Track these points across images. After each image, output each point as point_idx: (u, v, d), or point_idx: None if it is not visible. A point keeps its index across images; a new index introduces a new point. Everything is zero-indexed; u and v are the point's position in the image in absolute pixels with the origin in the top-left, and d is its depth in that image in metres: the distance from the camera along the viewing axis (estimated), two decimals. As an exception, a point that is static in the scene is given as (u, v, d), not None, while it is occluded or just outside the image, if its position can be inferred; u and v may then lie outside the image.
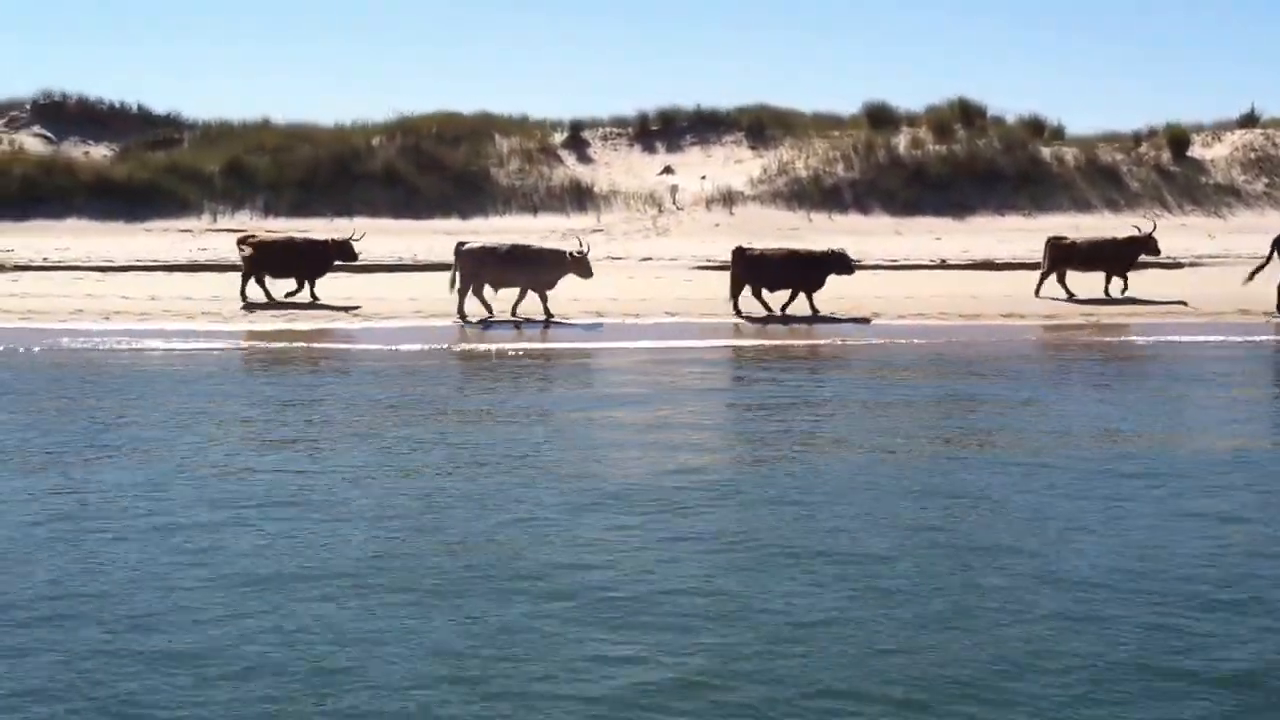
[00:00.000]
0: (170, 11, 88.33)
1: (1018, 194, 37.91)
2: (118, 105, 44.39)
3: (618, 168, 40.12)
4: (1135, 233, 28.02)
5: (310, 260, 26.19)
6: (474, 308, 24.30)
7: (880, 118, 41.39)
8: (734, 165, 39.82)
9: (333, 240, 26.56)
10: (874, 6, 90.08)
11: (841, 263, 25.58)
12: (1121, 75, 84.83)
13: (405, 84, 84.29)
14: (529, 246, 25.79)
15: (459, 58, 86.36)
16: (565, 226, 34.80)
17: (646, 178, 39.29)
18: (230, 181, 37.97)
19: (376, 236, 32.40)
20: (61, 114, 43.32)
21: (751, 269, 25.29)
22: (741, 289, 25.21)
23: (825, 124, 41.75)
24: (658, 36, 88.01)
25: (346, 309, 25.15)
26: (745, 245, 25.97)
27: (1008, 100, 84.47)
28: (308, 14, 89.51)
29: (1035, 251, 31.40)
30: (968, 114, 41.26)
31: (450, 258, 24.86)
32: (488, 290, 24.43)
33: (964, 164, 38.70)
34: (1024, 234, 34.07)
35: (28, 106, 43.55)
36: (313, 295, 25.90)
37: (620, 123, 42.64)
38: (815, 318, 24.82)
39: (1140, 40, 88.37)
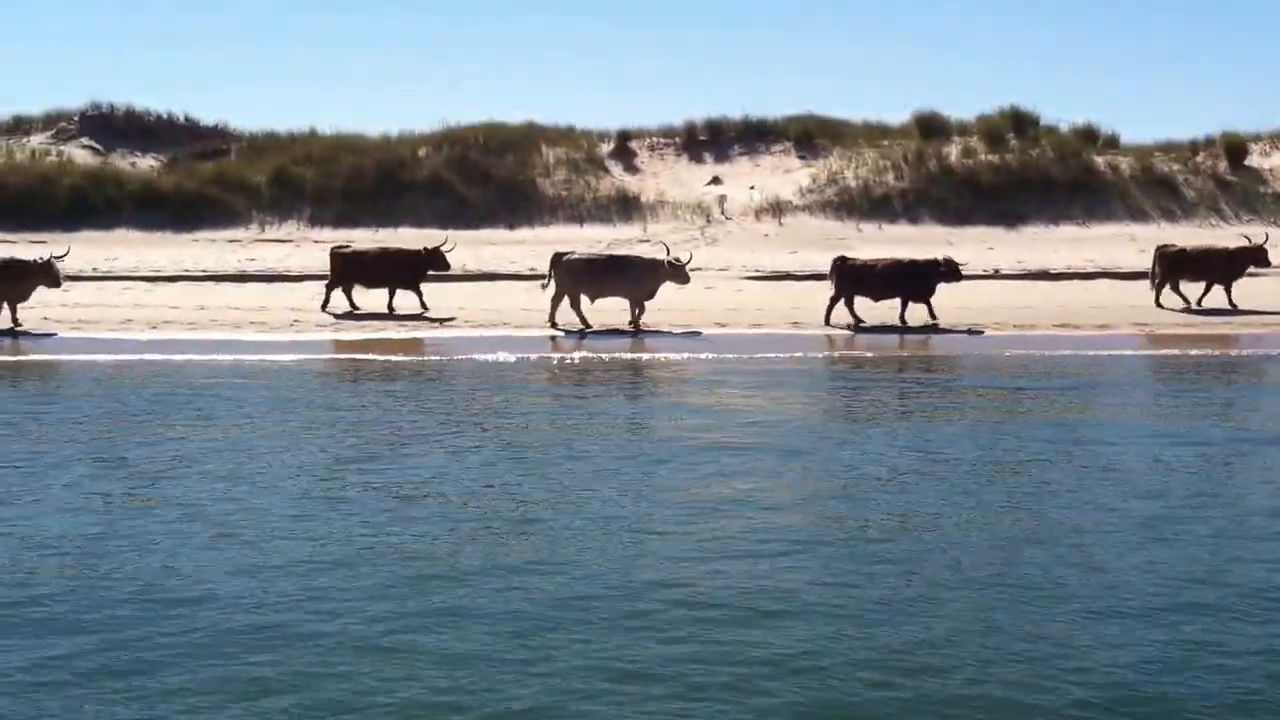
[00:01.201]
0: (217, 23, 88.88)
1: (1071, 204, 37.35)
2: (165, 116, 44.57)
3: (665, 178, 39.82)
4: (1245, 243, 27.58)
5: (404, 270, 26.06)
6: (569, 317, 24.29)
7: (931, 127, 40.92)
8: (783, 175, 39.46)
9: (427, 249, 26.41)
10: (925, 15, 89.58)
11: (951, 271, 25.18)
12: (1177, 83, 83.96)
13: (452, 94, 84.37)
14: (627, 256, 25.82)
15: (505, 68, 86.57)
16: (611, 237, 34.53)
17: (694, 188, 38.98)
18: (277, 192, 37.93)
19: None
20: (110, 125, 43.47)
21: (855, 279, 24.97)
22: (840, 299, 25.00)
23: (875, 133, 41.31)
24: (706, 46, 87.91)
25: (440, 320, 25.11)
26: (847, 255, 25.84)
27: (1061, 109, 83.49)
28: (354, 25, 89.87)
29: (1090, 261, 31.10)
30: (1020, 123, 40.74)
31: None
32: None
33: (1016, 173, 38.18)
34: (1078, 244, 33.65)
35: (76, 118, 43.71)
36: (422, 304, 25.89)
37: (668, 132, 42.35)
38: (932, 328, 24.56)
39: (1196, 48, 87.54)
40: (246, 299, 27.06)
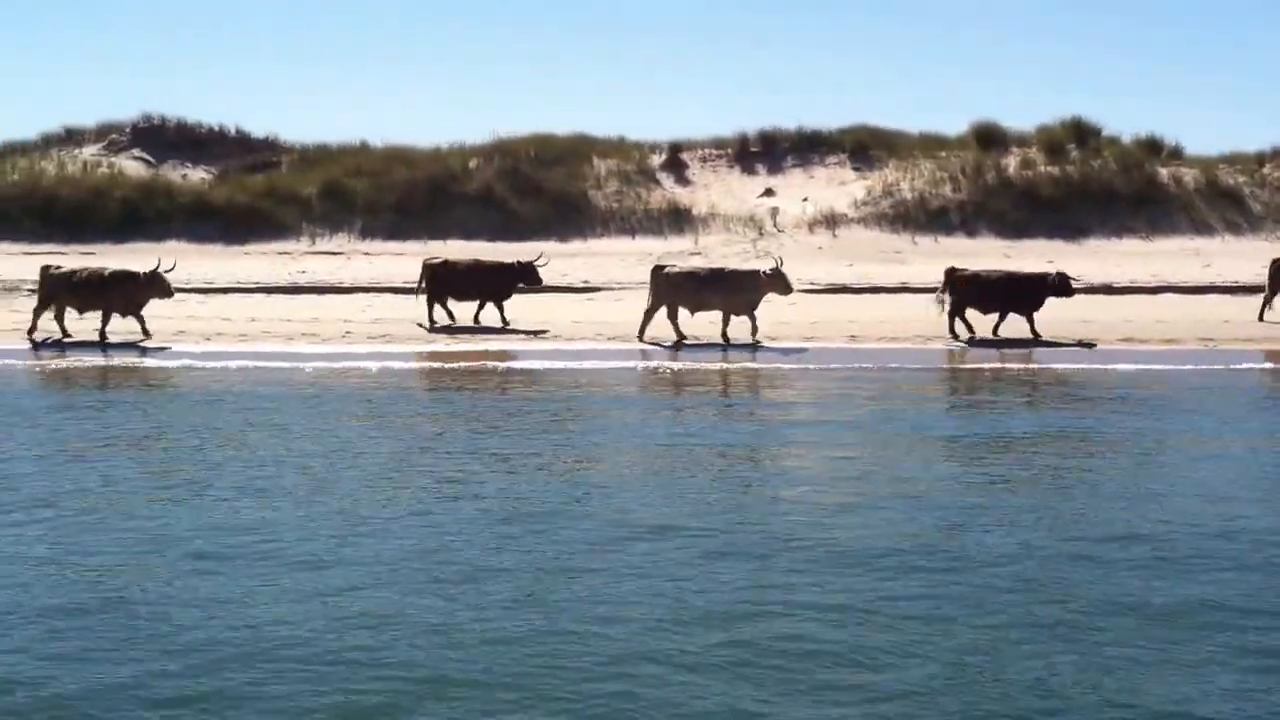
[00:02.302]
0: (269, 36, 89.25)
1: (1134, 216, 36.61)
2: (216, 129, 44.58)
3: (717, 190, 39.41)
4: None
5: (495, 283, 25.82)
6: (660, 330, 24.08)
7: (989, 138, 40.26)
8: (837, 187, 38.95)
9: (518, 263, 26.12)
10: (982, 24, 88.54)
11: (1061, 284, 24.62)
12: (1243, 94, 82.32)
13: (503, 106, 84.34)
14: (726, 269, 25.51)
15: (556, 79, 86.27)
16: (663, 249, 34.18)
17: (747, 200, 38.55)
18: (328, 204, 37.82)
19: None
20: (161, 137, 43.54)
21: (964, 289, 24.56)
22: (958, 310, 24.57)
23: (931, 144, 40.70)
24: (759, 57, 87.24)
25: (534, 332, 24.91)
26: (957, 265, 25.41)
27: (1123, 120, 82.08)
28: (405, 37, 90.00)
29: (1155, 276, 30.40)
30: (1081, 134, 40.02)
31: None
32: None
33: (1077, 185, 37.48)
34: (1141, 258, 32.96)
35: (128, 130, 43.82)
36: (503, 319, 25.67)
37: (720, 144, 41.95)
38: (1035, 341, 24.05)
39: (1262, 57, 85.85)
40: (298, 311, 26.86)
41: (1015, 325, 24.57)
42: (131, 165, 41.61)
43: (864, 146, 40.97)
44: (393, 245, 35.46)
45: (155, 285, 24.09)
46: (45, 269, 24.93)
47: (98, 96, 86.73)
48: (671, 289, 24.14)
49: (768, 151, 41.53)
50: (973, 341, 24.25)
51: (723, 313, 24.12)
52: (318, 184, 38.49)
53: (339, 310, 27.08)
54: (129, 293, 24.19)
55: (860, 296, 28.36)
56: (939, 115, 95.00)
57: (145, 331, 24.21)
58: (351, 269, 32.22)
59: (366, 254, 34.43)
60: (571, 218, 37.50)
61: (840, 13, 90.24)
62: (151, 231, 36.26)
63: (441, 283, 25.86)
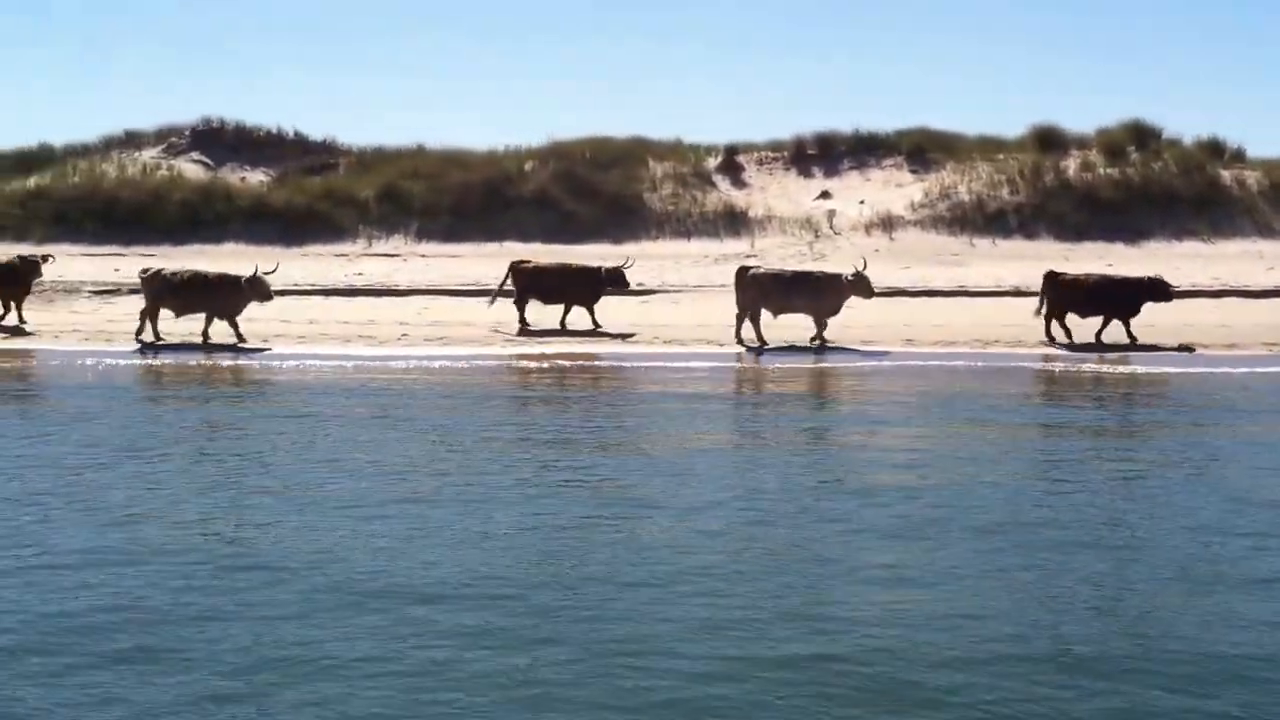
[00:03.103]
0: (326, 40, 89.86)
1: (1195, 219, 36.15)
2: (274, 131, 44.86)
3: (773, 192, 39.29)
4: None
5: (584, 286, 25.84)
6: (748, 333, 24.01)
7: (1048, 140, 39.90)
8: (894, 189, 38.74)
9: (607, 267, 26.13)
10: (1041, 25, 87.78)
11: (1158, 289, 24.38)
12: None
13: (559, 109, 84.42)
14: (810, 272, 25.41)
15: (612, 82, 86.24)
16: (719, 252, 34.13)
17: (803, 202, 38.41)
18: (385, 207, 38.00)
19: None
20: (220, 140, 43.89)
21: (1064, 293, 24.36)
22: (1057, 313, 24.36)
23: (989, 146, 40.36)
24: (815, 59, 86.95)
25: (623, 335, 24.91)
26: (1057, 269, 25.27)
27: (1184, 121, 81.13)
28: (462, 41, 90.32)
29: (1217, 280, 30.05)
30: (1142, 135, 39.56)
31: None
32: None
33: (1138, 188, 37.09)
34: (1201, 261, 32.58)
35: (187, 133, 44.20)
36: (594, 322, 25.65)
37: (776, 146, 41.83)
38: (1132, 345, 23.82)
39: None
40: (355, 313, 26.96)
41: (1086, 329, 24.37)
42: (191, 168, 41.97)
43: (921, 149, 40.72)
44: (449, 247, 35.59)
45: (255, 289, 24.11)
46: (145, 272, 24.92)
47: (157, 100, 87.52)
48: (759, 291, 23.99)
49: (824, 154, 41.37)
50: (1071, 346, 23.97)
51: (808, 315, 23.98)
52: (375, 186, 38.68)
53: (395, 313, 27.18)
54: (230, 296, 24.23)
55: (916, 300, 28.17)
56: (997, 118, 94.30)
57: (239, 335, 24.21)
58: (408, 271, 32.34)
59: (423, 256, 34.54)
60: (627, 220, 37.48)
61: (897, 15, 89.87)
62: (210, 234, 36.57)
63: (529, 286, 25.85)
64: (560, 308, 25.92)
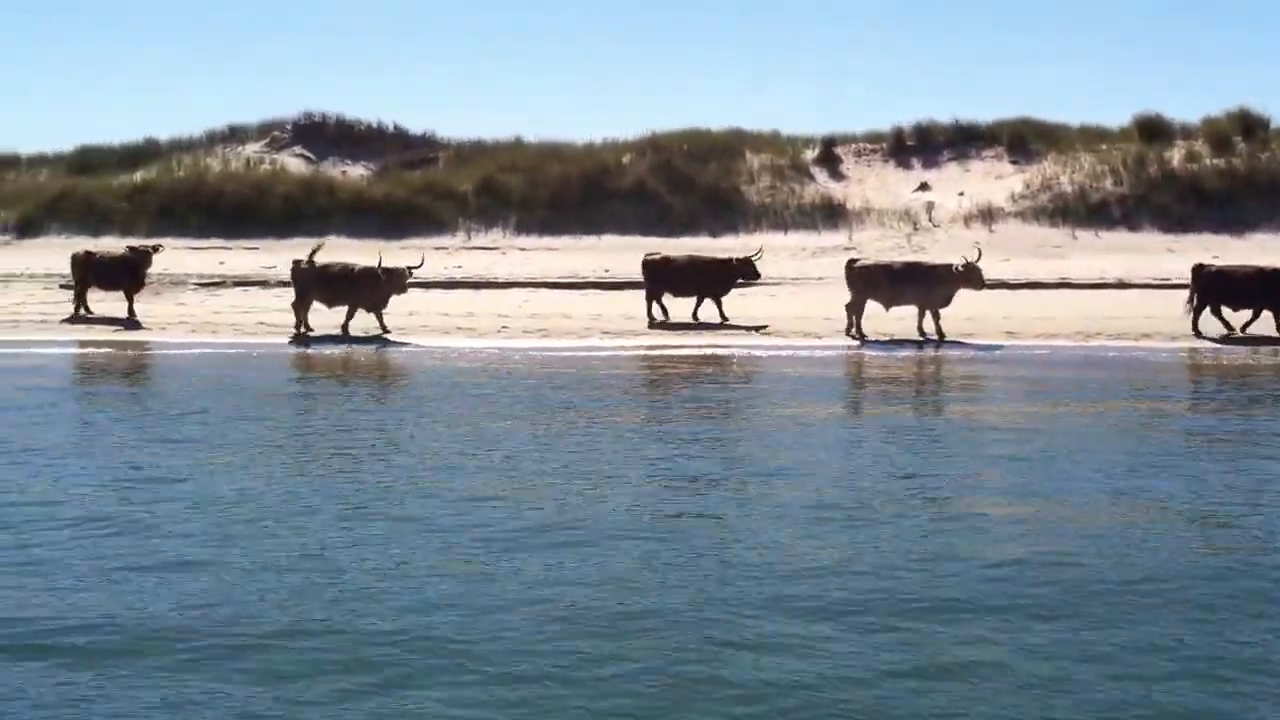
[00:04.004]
0: (426, 34, 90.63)
1: (1304, 210, 35.41)
2: (375, 126, 45.38)
3: (871, 184, 39.05)
4: None
5: (714, 278, 25.85)
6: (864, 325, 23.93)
7: (1152, 130, 39.20)
8: (994, 181, 38.31)
9: (737, 259, 26.12)
10: (1145, 13, 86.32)
11: None
12: None
13: (657, 102, 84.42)
14: (920, 263, 25.16)
15: (710, 74, 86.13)
16: (816, 245, 34.03)
17: (901, 194, 38.13)
18: (483, 200, 38.28)
19: (627, 254, 32.16)
20: (321, 134, 44.48)
21: (1217, 286, 23.98)
22: (1205, 307, 23.95)
23: (1092, 137, 39.76)
24: (914, 49, 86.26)
25: (756, 328, 24.85)
26: (1205, 262, 24.81)
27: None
28: (560, 34, 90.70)
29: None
30: (1249, 125, 38.69)
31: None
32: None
33: (1244, 178, 36.30)
34: (1311, 253, 31.86)
35: (289, 127, 44.83)
36: (721, 315, 25.59)
37: (874, 138, 41.55)
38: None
39: None
40: (454, 305, 27.18)
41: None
42: (293, 162, 42.57)
43: (1022, 139, 40.21)
44: (546, 240, 35.79)
45: (396, 282, 24.34)
46: (297, 264, 25.08)
47: (261, 95, 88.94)
48: (868, 283, 23.82)
49: (923, 145, 41.02)
50: (1228, 339, 23.56)
51: (917, 308, 23.80)
52: (473, 180, 38.97)
53: (494, 305, 27.37)
54: (375, 289, 24.44)
55: (1017, 292, 27.85)
56: (1100, 107, 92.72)
57: (383, 326, 24.49)
58: (506, 264, 32.57)
59: (521, 249, 34.78)
60: (724, 213, 37.42)
61: (998, 3, 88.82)
62: (312, 227, 37.00)
63: (660, 279, 25.89)
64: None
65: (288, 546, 9.63)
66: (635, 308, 26.28)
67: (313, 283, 24.73)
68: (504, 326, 25.14)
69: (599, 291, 28.96)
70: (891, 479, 12.13)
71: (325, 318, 24.85)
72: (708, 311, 25.72)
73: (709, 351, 22.58)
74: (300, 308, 24.79)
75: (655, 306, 25.87)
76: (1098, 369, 20.42)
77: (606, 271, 30.82)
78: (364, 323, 24.63)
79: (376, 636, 7.73)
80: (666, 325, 25.40)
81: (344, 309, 24.68)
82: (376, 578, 8.86)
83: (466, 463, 12.77)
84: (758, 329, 24.74)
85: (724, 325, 25.26)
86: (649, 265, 26.07)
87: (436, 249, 34.86)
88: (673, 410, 16.43)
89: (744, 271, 25.81)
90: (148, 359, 22.69)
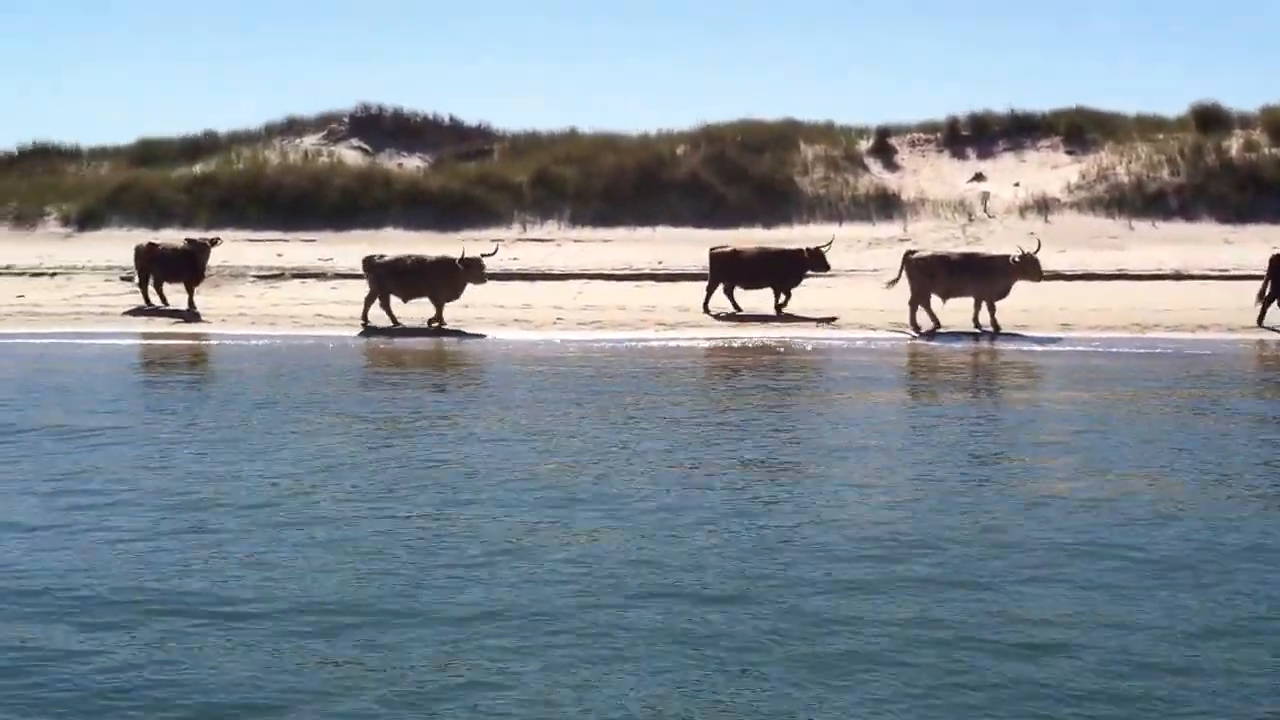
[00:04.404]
0: (480, 26, 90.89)
1: (1364, 200, 34.98)
2: (430, 117, 45.70)
3: (925, 175, 38.95)
4: None
5: (784, 270, 25.83)
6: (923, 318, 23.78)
7: (1210, 119, 38.84)
8: (1049, 171, 38.11)
9: (809, 250, 26.05)
10: (1203, 1, 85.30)
11: None
12: None
13: (710, 93, 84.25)
14: (978, 254, 25.03)
15: (763, 65, 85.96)
16: (870, 236, 33.98)
17: (956, 185, 38.01)
18: (539, 191, 38.45)
19: (681, 245, 32.33)
20: (378, 126, 44.82)
21: None
22: (1274, 299, 23.67)
23: (1149, 126, 39.46)
24: (968, 38, 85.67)
25: (825, 319, 24.84)
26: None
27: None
28: (614, 25, 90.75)
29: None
30: (1311, 114, 38.37)
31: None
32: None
33: (1305, 168, 35.98)
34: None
35: (346, 120, 45.20)
36: (778, 308, 25.60)
37: (929, 128, 41.41)
38: None
39: None
40: (510, 297, 27.34)
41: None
42: (350, 154, 42.95)
43: (1078, 129, 39.98)
44: (601, 232, 35.93)
45: (473, 272, 24.42)
46: (369, 259, 25.24)
47: (318, 87, 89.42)
48: (926, 274, 23.73)
49: (978, 135, 40.85)
50: None
51: (975, 299, 23.72)
52: (529, 172, 39.15)
53: (550, 297, 27.50)
54: (452, 279, 24.55)
55: (1072, 284, 27.71)
56: (1157, 97, 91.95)
57: (440, 319, 24.66)
58: (562, 256, 32.71)
59: (576, 241, 34.92)
60: (778, 204, 37.42)
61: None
62: (369, 219, 37.36)
63: (729, 271, 25.85)
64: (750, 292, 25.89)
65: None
66: (690, 299, 26.36)
67: (387, 275, 24.88)
68: (559, 318, 25.26)
69: (653, 283, 29.03)
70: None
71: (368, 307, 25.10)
72: (756, 304, 25.69)
73: (773, 341, 22.65)
74: (378, 301, 24.91)
75: (724, 299, 25.76)
76: (1158, 360, 20.32)
77: (660, 263, 30.93)
78: (416, 311, 24.83)
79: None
80: (736, 318, 25.34)
81: (418, 301, 24.79)
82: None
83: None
84: (826, 321, 24.71)
85: (789, 318, 25.21)
86: (717, 257, 25.99)
87: (492, 241, 35.07)
88: (768, 399, 16.70)
89: (815, 263, 25.78)
90: (239, 349, 22.59)
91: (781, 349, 21.89)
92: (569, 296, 27.28)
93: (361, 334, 24.36)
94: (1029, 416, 15.70)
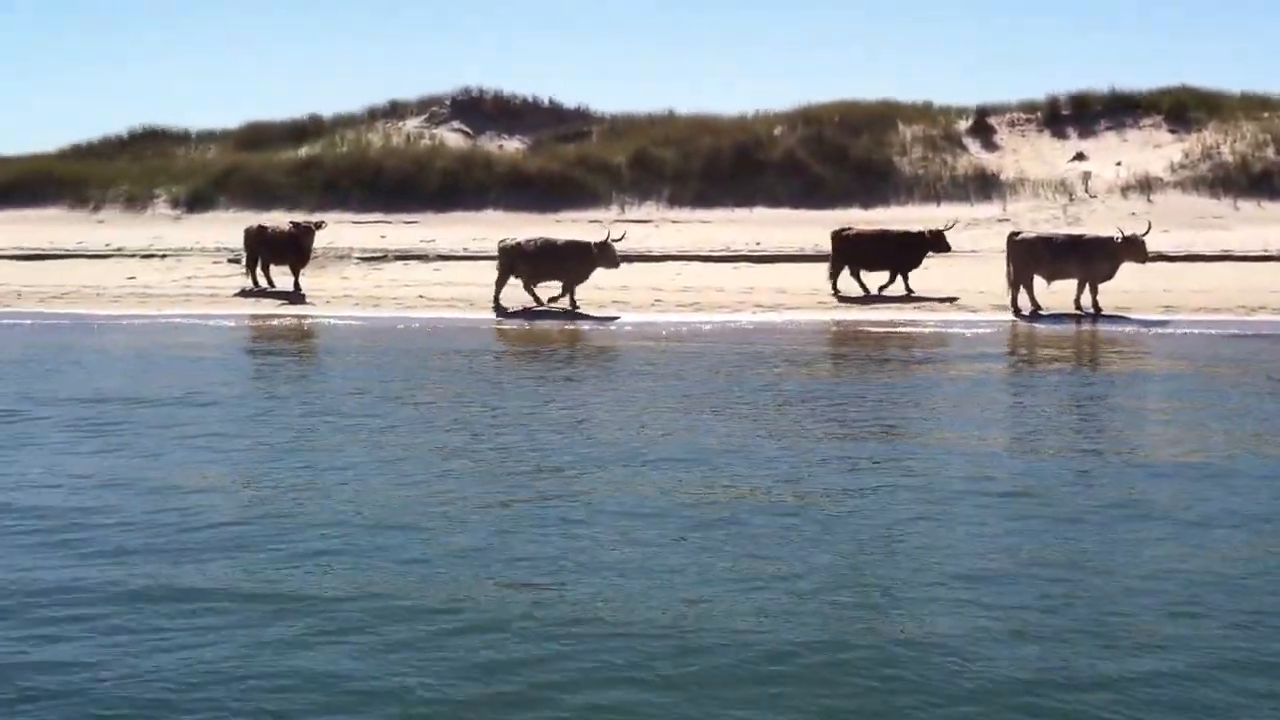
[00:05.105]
0: (579, 8, 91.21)
1: None
2: (530, 100, 46.14)
3: (1025, 154, 38.67)
4: None
5: (905, 252, 25.76)
6: (1024, 300, 23.58)
7: (1319, 96, 38.24)
8: (1152, 150, 37.67)
9: (930, 232, 26.02)
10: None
11: None
12: None
13: (808, 74, 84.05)
14: (1083, 235, 24.65)
15: (863, 45, 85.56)
16: (969, 216, 33.77)
17: (1056, 164, 37.69)
18: (636, 173, 38.70)
19: (778, 227, 32.41)
20: (478, 109, 45.35)
21: None
22: None
23: (1254, 104, 38.83)
24: (1068, 16, 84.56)
25: (947, 299, 24.80)
26: None
27: None
28: (711, 7, 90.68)
29: None
30: None
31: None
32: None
33: None
34: None
35: (447, 103, 45.75)
36: (907, 289, 25.49)
37: (1029, 107, 41.09)
38: None
39: None
40: (608, 279, 27.48)
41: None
42: (451, 137, 43.48)
43: (1181, 107, 39.45)
44: (699, 213, 36.08)
45: (605, 256, 24.45)
46: (503, 243, 25.42)
47: (419, 71, 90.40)
48: (1030, 256, 23.50)
49: (1079, 115, 40.50)
50: None
51: (1079, 281, 23.49)
52: (627, 153, 39.40)
53: (648, 278, 27.63)
54: (581, 263, 24.67)
55: (1175, 265, 27.37)
56: (1263, 75, 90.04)
57: (572, 302, 24.75)
58: (659, 237, 32.86)
59: (674, 222, 35.11)
60: (875, 185, 37.38)
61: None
62: (469, 201, 37.83)
63: (850, 253, 25.73)
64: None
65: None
66: (787, 281, 26.43)
67: (519, 259, 24.98)
68: (658, 300, 25.38)
69: (750, 265, 29.13)
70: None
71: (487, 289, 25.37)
72: (869, 284, 25.62)
73: (889, 323, 22.71)
74: (502, 283, 24.96)
75: (851, 280, 25.62)
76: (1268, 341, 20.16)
77: (757, 244, 31.01)
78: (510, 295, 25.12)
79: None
80: (862, 299, 25.21)
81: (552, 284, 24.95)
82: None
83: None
84: (948, 300, 24.58)
85: (902, 300, 25.09)
86: (840, 239, 25.87)
87: (590, 222, 35.27)
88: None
89: (936, 244, 25.71)
90: (371, 331, 22.81)
91: (896, 331, 21.85)
92: (667, 278, 27.42)
93: (497, 315, 24.44)
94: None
